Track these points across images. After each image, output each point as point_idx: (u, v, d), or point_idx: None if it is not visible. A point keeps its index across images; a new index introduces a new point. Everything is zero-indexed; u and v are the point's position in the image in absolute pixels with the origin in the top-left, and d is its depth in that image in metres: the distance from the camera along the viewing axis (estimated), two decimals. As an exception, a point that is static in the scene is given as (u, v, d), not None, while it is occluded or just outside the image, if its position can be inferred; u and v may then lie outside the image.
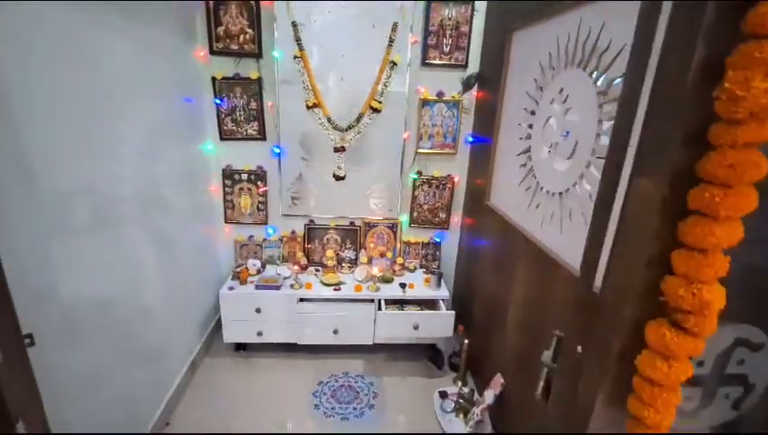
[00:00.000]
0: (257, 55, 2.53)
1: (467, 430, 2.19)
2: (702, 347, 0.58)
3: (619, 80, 1.30)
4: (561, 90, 1.67)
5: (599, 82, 1.42)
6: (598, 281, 0.67)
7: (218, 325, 2.84)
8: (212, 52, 2.50)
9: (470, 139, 2.78)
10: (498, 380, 2.12)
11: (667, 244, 0.58)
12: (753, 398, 0.73)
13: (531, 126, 1.93)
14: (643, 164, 0.58)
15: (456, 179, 2.86)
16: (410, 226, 2.96)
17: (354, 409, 2.37)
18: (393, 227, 2.95)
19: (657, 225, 0.57)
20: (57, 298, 1.40)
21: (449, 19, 2.55)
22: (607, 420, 0.68)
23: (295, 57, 2.51)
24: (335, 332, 2.65)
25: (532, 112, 1.92)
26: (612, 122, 1.33)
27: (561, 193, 1.66)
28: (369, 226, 2.95)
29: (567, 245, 1.61)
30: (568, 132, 1.62)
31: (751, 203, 0.52)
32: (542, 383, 0.98)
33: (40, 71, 1.29)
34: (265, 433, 2.17)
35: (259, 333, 2.63)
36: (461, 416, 2.29)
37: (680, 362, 0.58)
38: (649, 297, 0.61)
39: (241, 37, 2.49)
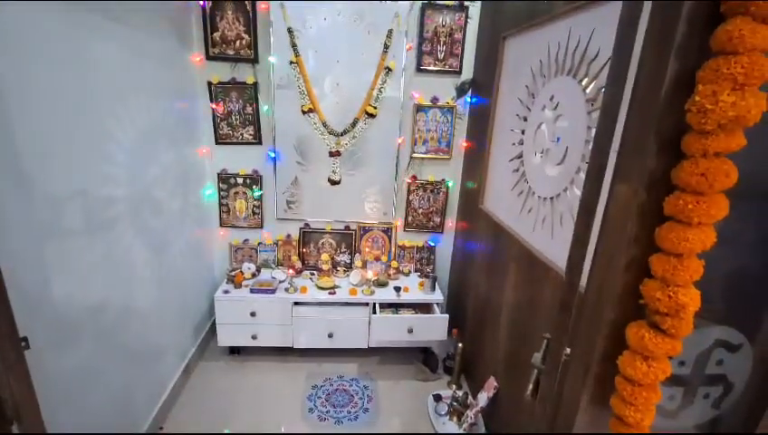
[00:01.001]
0: (253, 60, 2.55)
1: (461, 432, 2.21)
2: (679, 347, 0.60)
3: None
4: (552, 97, 1.70)
5: (588, 90, 1.45)
6: (582, 283, 0.69)
7: (213, 329, 2.84)
8: (208, 57, 2.52)
9: (464, 144, 2.81)
10: (492, 383, 2.14)
11: (646, 248, 0.61)
12: (732, 397, 0.75)
13: (523, 132, 1.97)
14: (622, 170, 0.60)
15: (450, 184, 2.89)
16: (405, 230, 2.98)
17: (348, 412, 2.37)
18: (388, 230, 2.97)
19: (636, 229, 0.60)
20: (51, 301, 1.41)
21: (443, 26, 2.59)
22: (591, 419, 0.71)
23: (291, 62, 2.54)
24: (330, 335, 2.66)
25: (525, 119, 1.95)
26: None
27: (552, 198, 1.69)
28: (365, 230, 2.97)
29: (558, 249, 1.64)
30: (558, 138, 1.66)
31: (721, 210, 0.54)
32: (531, 385, 1.00)
33: (33, 75, 1.30)
34: (260, 433, 2.18)
35: (254, 337, 2.63)
36: (455, 419, 2.31)
37: (659, 361, 0.61)
38: (630, 299, 0.63)
39: (237, 42, 2.52)
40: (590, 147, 1.38)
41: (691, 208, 0.53)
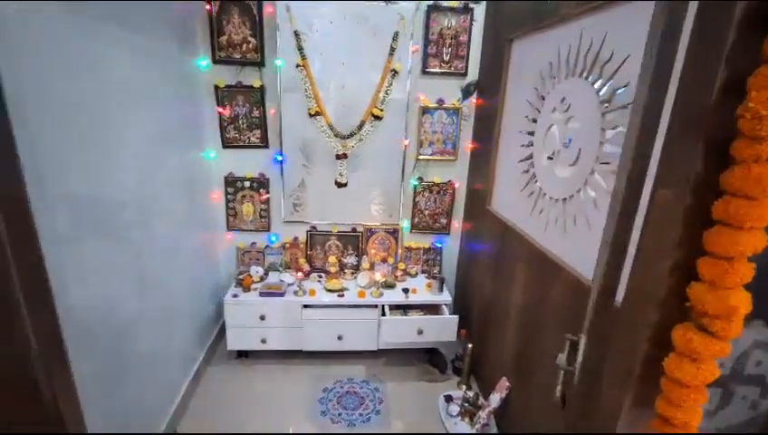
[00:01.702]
0: (260, 64, 2.55)
1: (473, 432, 2.21)
2: (728, 349, 0.61)
3: (622, 89, 1.35)
4: (563, 99, 1.71)
5: (602, 92, 1.46)
6: (620, 287, 0.70)
7: (220, 333, 2.83)
8: (215, 60, 2.51)
9: (470, 145, 2.82)
10: (504, 383, 2.15)
11: (690, 251, 0.62)
12: (768, 397, 0.77)
13: (532, 133, 1.98)
14: (665, 175, 0.61)
15: (456, 185, 2.90)
16: (411, 231, 2.99)
17: (360, 414, 2.37)
18: (394, 232, 2.98)
19: (680, 233, 0.60)
20: (69, 308, 1.39)
21: (449, 28, 2.60)
22: (633, 420, 0.71)
23: (297, 66, 2.54)
24: (339, 338, 2.66)
25: (534, 120, 1.97)
26: (615, 130, 1.39)
27: (564, 199, 1.70)
28: (371, 232, 2.97)
29: (572, 250, 1.65)
30: (570, 140, 1.67)
31: (774, 214, 0.55)
32: (559, 386, 1.00)
33: (43, 81, 1.29)
34: (273, 433, 2.18)
35: (263, 341, 2.63)
36: (467, 419, 2.31)
37: (707, 363, 0.62)
38: (673, 302, 0.64)
39: (243, 46, 2.51)
40: (605, 148, 1.39)
41: (743, 213, 0.54)
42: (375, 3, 2.49)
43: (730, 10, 0.51)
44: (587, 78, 1.55)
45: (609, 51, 1.43)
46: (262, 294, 2.60)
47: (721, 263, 0.58)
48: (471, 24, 2.59)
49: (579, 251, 1.59)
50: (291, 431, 2.23)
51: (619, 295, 0.70)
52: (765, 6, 0.51)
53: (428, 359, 2.83)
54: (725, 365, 0.73)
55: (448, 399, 2.46)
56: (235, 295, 2.59)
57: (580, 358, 1.02)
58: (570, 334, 1.15)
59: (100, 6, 1.54)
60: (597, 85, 1.49)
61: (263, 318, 2.57)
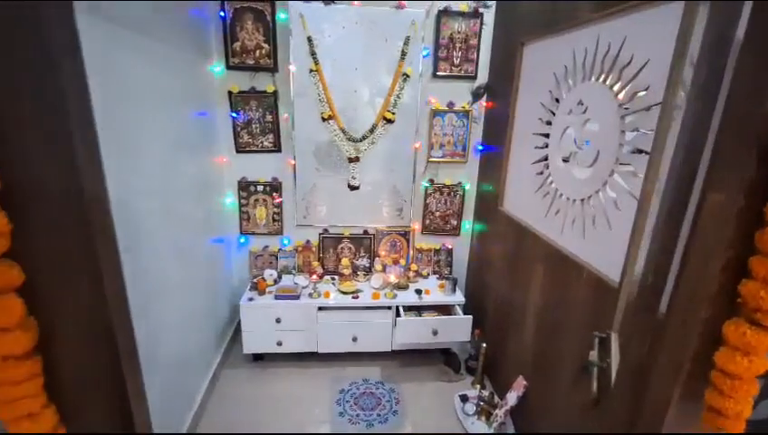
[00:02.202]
0: (273, 69, 2.57)
1: (491, 431, 2.25)
2: (780, 342, 0.65)
3: (643, 92, 1.39)
4: (580, 101, 1.75)
5: (620, 95, 1.50)
6: (667, 288, 0.73)
7: (234, 336, 2.85)
8: (228, 67, 2.53)
9: (480, 147, 2.86)
10: (521, 382, 2.19)
11: (741, 251, 0.65)
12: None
13: (547, 135, 2.02)
14: (717, 180, 0.65)
15: (467, 187, 2.94)
16: (422, 233, 3.02)
17: (378, 415, 2.40)
18: (406, 234, 3.01)
19: (732, 234, 0.64)
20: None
21: (459, 33, 2.64)
22: (681, 414, 0.75)
23: (311, 71, 2.57)
24: (354, 339, 2.68)
25: (548, 123, 2.00)
26: (635, 133, 1.43)
27: (582, 200, 1.74)
28: (383, 234, 3.00)
29: (591, 249, 1.68)
30: (588, 142, 1.71)
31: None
32: (595, 382, 1.04)
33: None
34: (290, 433, 2.21)
35: (279, 343, 2.65)
36: (483, 418, 2.35)
37: (759, 356, 0.65)
38: (723, 299, 0.68)
39: (257, 52, 2.54)
40: (624, 150, 1.42)
41: (795, 214, 0.58)
42: (386, 8, 2.53)
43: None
44: (605, 81, 1.59)
45: (628, 55, 1.47)
46: (277, 298, 2.62)
47: (775, 261, 0.62)
48: (481, 28, 2.63)
49: (599, 250, 1.63)
50: (309, 432, 2.25)
51: (666, 296, 0.73)
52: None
53: (444, 360, 2.86)
54: (767, 358, 0.77)
55: (464, 398, 2.49)
56: (250, 299, 2.61)
57: (614, 355, 1.06)
58: (597, 332, 1.19)
59: (122, 10, 1.55)
60: (616, 88, 1.53)
61: (278, 321, 2.59)
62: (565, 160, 1.86)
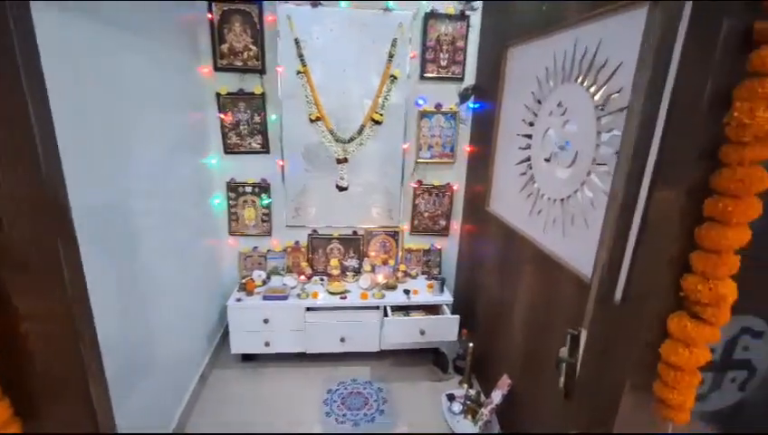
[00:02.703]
0: (261, 71, 2.60)
1: (476, 430, 2.27)
2: (718, 335, 0.67)
3: (616, 94, 1.42)
4: (560, 103, 1.78)
5: (596, 97, 1.53)
6: (620, 282, 0.76)
7: (224, 337, 2.86)
8: (216, 68, 2.56)
9: (467, 148, 2.88)
10: (505, 380, 2.21)
11: (685, 246, 0.68)
12: (756, 380, 0.83)
13: (530, 136, 2.04)
14: (663, 177, 0.67)
15: (454, 187, 2.96)
16: (411, 233, 3.04)
17: (365, 415, 2.42)
18: (395, 234, 3.03)
19: (677, 230, 0.66)
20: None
21: (446, 35, 2.67)
22: (634, 404, 0.77)
23: (298, 72, 2.59)
24: (342, 340, 2.70)
25: (531, 124, 2.03)
26: (610, 133, 1.46)
27: (562, 199, 1.76)
28: (372, 234, 3.02)
29: (571, 248, 1.71)
30: (567, 142, 1.73)
31: (756, 211, 0.62)
32: (562, 378, 1.06)
33: (54, 90, 1.32)
34: (277, 433, 2.22)
35: (267, 344, 2.66)
36: (469, 417, 2.36)
37: (699, 348, 0.68)
38: (669, 293, 0.70)
39: (245, 54, 2.56)
40: (601, 150, 1.45)
41: (730, 210, 0.60)
42: (374, 11, 2.56)
43: (717, 28, 0.58)
44: (582, 83, 1.62)
45: (603, 57, 1.50)
46: (265, 298, 2.63)
47: (711, 256, 0.64)
48: (468, 31, 2.66)
49: (578, 249, 1.66)
50: (296, 432, 2.27)
51: (619, 289, 0.76)
52: (747, 27, 0.57)
53: (433, 359, 2.88)
54: (716, 351, 0.79)
55: (451, 397, 2.51)
56: (238, 299, 2.62)
57: (582, 351, 1.08)
58: (571, 329, 1.21)
59: (113, 13, 1.58)
60: (592, 90, 1.56)
61: (266, 321, 2.61)
62: (547, 161, 1.89)
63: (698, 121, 0.60)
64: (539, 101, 1.96)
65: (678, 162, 0.63)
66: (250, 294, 2.69)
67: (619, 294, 0.72)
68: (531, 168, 2.05)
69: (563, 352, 1.20)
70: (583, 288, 1.53)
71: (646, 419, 0.76)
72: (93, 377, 0.77)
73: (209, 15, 2.46)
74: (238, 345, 2.67)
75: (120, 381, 1.65)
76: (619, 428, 0.78)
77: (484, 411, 2.27)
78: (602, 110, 1.50)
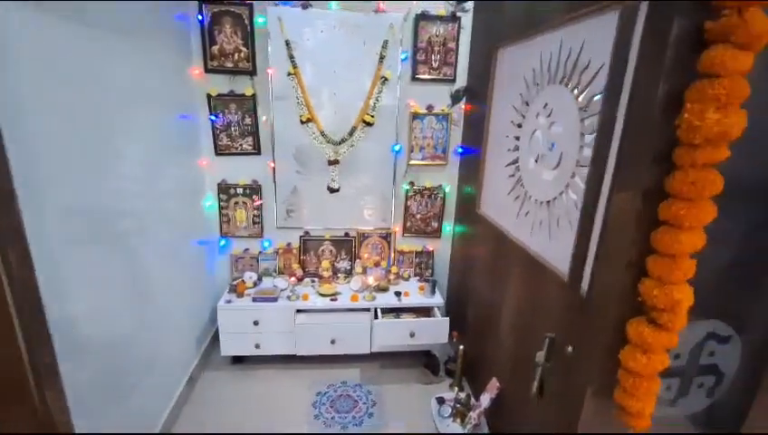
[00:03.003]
0: (251, 72, 2.60)
1: (465, 433, 2.25)
2: (676, 340, 0.66)
3: (598, 96, 1.40)
4: (546, 104, 1.77)
5: (580, 98, 1.51)
6: (584, 285, 0.74)
7: (215, 339, 2.86)
8: (207, 70, 2.56)
9: (459, 150, 2.88)
10: (494, 383, 2.19)
11: (643, 250, 0.66)
12: (724, 386, 0.81)
13: (518, 138, 2.03)
14: (620, 180, 0.66)
15: (447, 189, 2.95)
16: (404, 235, 3.03)
17: (354, 417, 2.40)
18: (387, 236, 3.02)
19: (634, 233, 0.65)
20: (66, 317, 1.43)
21: (437, 36, 2.66)
22: (596, 410, 0.76)
23: (289, 74, 2.59)
24: (332, 342, 2.69)
25: (519, 125, 2.02)
26: (594, 135, 1.45)
27: (548, 202, 1.75)
28: (364, 236, 3.01)
29: (555, 251, 1.69)
30: (553, 144, 1.72)
31: (709, 214, 0.60)
32: (536, 382, 1.05)
33: (48, 91, 1.34)
34: (266, 433, 2.21)
35: (257, 346, 2.66)
36: (458, 420, 2.35)
37: (657, 354, 0.66)
38: (629, 298, 0.69)
39: (235, 55, 2.56)
40: (584, 152, 1.45)
41: (683, 214, 0.59)
42: (365, 12, 2.55)
43: (668, 29, 0.56)
44: (567, 85, 1.60)
45: (586, 59, 1.48)
46: (255, 300, 2.63)
47: (666, 260, 0.63)
48: (459, 32, 2.65)
49: (563, 252, 1.63)
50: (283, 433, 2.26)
51: (583, 293, 0.74)
52: (698, 27, 0.56)
53: (425, 362, 2.86)
54: (682, 356, 0.77)
55: (440, 401, 2.49)
56: (228, 301, 2.62)
57: (545, 354, 1.07)
58: (549, 333, 1.20)
59: (101, 15, 1.58)
60: (576, 92, 1.54)
61: (256, 323, 2.60)
62: (534, 163, 1.87)
63: (652, 124, 0.59)
64: (527, 103, 1.95)
65: (633, 165, 0.62)
66: (240, 295, 2.69)
67: (583, 297, 0.71)
68: (519, 169, 2.03)
69: (540, 356, 1.19)
70: (566, 291, 1.52)
71: (609, 424, 0.74)
72: (46, 379, 0.77)
73: (200, 17, 2.46)
74: (228, 347, 2.66)
75: (101, 382, 1.65)
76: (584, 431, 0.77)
77: (473, 415, 2.25)
78: (585, 111, 1.48)
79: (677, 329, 0.65)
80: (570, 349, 0.89)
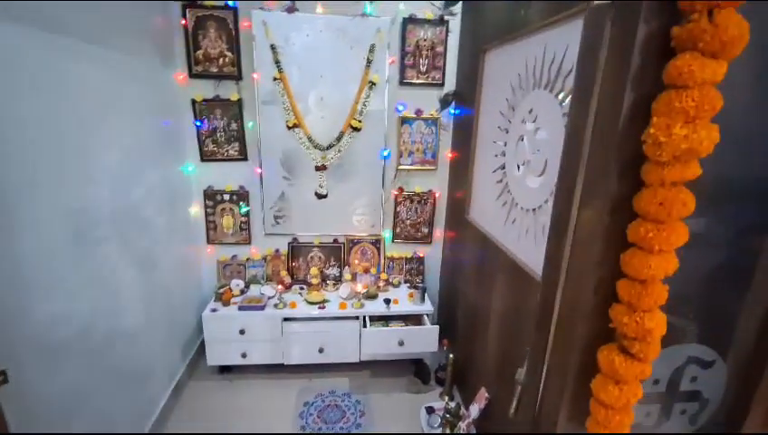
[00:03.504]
0: (237, 77, 2.56)
1: (454, 445, 2.20)
2: (649, 371, 0.61)
3: (582, 102, 1.36)
4: (531, 110, 1.73)
5: (564, 104, 1.47)
6: (556, 307, 0.70)
7: (202, 348, 2.80)
8: (191, 75, 2.52)
9: (449, 154, 2.83)
10: (483, 394, 2.14)
11: (613, 271, 0.62)
12: (708, 413, 0.76)
13: (505, 144, 1.99)
14: (587, 195, 0.61)
15: (437, 194, 2.90)
16: (393, 241, 2.98)
17: (341, 428, 2.35)
18: (376, 242, 2.97)
19: (602, 253, 0.61)
20: (35, 326, 1.39)
21: (425, 40, 2.62)
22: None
23: (275, 79, 2.55)
24: (321, 350, 2.64)
25: (506, 131, 1.98)
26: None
27: (534, 209, 1.70)
28: (353, 242, 2.96)
29: (541, 260, 1.64)
30: (539, 150, 1.68)
31: (681, 237, 0.56)
32: (515, 401, 1.00)
33: (16, 101, 1.30)
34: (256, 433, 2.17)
35: (243, 355, 2.60)
36: (447, 431, 2.29)
37: (630, 385, 0.61)
38: (600, 321, 0.64)
39: (220, 60, 2.52)
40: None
41: (652, 236, 0.54)
42: (351, 16, 2.51)
43: (633, 33, 0.52)
44: (551, 90, 1.56)
45: (570, 63, 1.44)
46: (241, 308, 2.58)
47: (636, 285, 0.58)
48: (447, 36, 2.61)
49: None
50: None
51: (555, 315, 0.70)
52: (667, 31, 0.51)
53: (415, 370, 2.81)
54: (662, 381, 0.73)
55: (430, 410, 2.44)
56: (213, 310, 2.57)
57: (524, 374, 1.02)
58: (529, 347, 1.15)
59: (72, 22, 1.55)
60: (560, 97, 1.50)
61: (242, 332, 2.55)
62: (520, 169, 1.83)
63: (617, 137, 0.54)
64: (512, 108, 1.91)
65: (600, 181, 0.58)
66: (226, 304, 2.64)
67: (553, 321, 0.67)
68: (506, 175, 1.99)
69: (520, 373, 1.14)
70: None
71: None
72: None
73: (183, 21, 2.42)
74: (214, 357, 2.61)
75: (79, 391, 1.60)
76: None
77: (462, 425, 2.20)
78: (568, 117, 1.44)
79: (650, 359, 0.61)
80: (545, 366, 0.84)
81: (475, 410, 2.15)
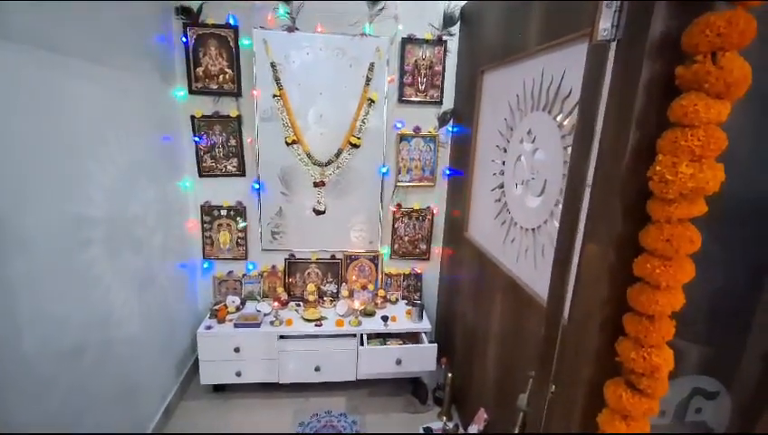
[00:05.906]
0: (236, 94, 2.57)
1: (452, 468, 2.16)
2: (656, 407, 0.61)
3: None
4: (530, 130, 1.74)
5: (563, 127, 1.49)
6: (557, 343, 0.69)
7: (195, 366, 2.75)
8: (191, 91, 2.53)
9: (447, 172, 2.85)
10: (482, 415, 2.11)
11: (619, 306, 0.62)
12: (713, 444, 0.76)
13: (503, 163, 2.00)
14: (591, 232, 0.61)
15: (435, 211, 2.91)
16: (391, 257, 2.97)
17: (337, 450, 2.31)
18: (374, 259, 2.96)
19: (608, 290, 0.61)
20: (23, 351, 1.36)
21: (423, 59, 2.65)
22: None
23: (274, 96, 2.56)
24: (317, 369, 2.60)
25: (504, 150, 1.99)
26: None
27: (534, 229, 1.71)
28: (351, 258, 2.95)
29: (541, 280, 1.64)
30: (537, 171, 1.69)
31: (688, 274, 0.56)
32: (517, 429, 0.98)
33: (11, 120, 1.29)
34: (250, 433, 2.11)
35: (238, 374, 2.56)
36: (446, 453, 2.25)
37: (637, 421, 0.61)
38: (606, 356, 0.64)
39: (220, 77, 2.53)
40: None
41: (659, 273, 0.54)
42: (351, 36, 2.55)
43: (637, 72, 0.53)
44: (549, 112, 1.58)
45: (568, 87, 1.46)
46: (237, 326, 2.55)
47: (643, 320, 0.58)
48: (445, 55, 2.65)
49: (547, 283, 1.59)
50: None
51: (560, 344, 0.69)
52: (671, 70, 0.52)
53: (412, 389, 2.78)
54: (667, 414, 0.72)
55: (428, 431, 2.40)
56: (208, 327, 2.53)
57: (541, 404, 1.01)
58: (532, 372, 1.13)
59: (69, 41, 1.56)
60: (558, 119, 1.52)
61: (237, 350, 2.51)
62: (519, 188, 1.84)
63: (622, 174, 0.55)
64: (511, 128, 1.93)
65: (606, 216, 0.58)
66: (221, 321, 2.60)
67: (556, 354, 0.66)
68: (504, 194, 2.00)
69: (522, 399, 1.13)
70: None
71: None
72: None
73: (183, 39, 2.44)
74: (208, 375, 2.56)
75: (67, 414, 1.57)
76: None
77: (461, 448, 2.16)
78: (568, 140, 1.46)
79: (659, 395, 0.60)
80: (552, 389, 0.83)
81: (473, 431, 2.12)
